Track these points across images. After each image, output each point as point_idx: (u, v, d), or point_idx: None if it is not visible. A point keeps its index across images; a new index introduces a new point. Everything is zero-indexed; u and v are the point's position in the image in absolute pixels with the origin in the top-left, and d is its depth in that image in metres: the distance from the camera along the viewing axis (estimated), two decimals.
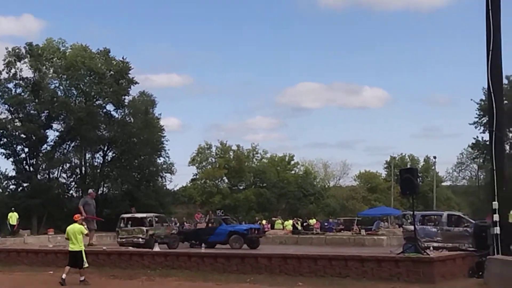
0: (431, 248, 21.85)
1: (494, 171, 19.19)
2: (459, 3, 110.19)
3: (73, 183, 64.30)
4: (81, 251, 19.19)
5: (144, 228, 32.71)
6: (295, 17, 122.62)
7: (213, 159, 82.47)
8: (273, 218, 60.66)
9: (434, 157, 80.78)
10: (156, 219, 35.07)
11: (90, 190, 29.06)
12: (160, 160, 67.30)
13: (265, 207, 76.59)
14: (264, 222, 59.84)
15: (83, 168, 64.52)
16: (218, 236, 33.70)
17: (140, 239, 32.14)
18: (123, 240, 32.48)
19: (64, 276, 18.66)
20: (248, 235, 33.46)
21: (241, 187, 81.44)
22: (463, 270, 18.91)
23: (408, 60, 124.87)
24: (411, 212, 23.84)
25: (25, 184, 59.03)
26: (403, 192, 24.74)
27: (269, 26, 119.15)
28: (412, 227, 22.92)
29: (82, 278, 18.84)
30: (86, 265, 19.22)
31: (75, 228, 19.48)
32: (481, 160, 67.32)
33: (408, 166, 78.17)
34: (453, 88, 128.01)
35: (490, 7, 19.09)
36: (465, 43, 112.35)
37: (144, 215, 35.87)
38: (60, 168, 62.47)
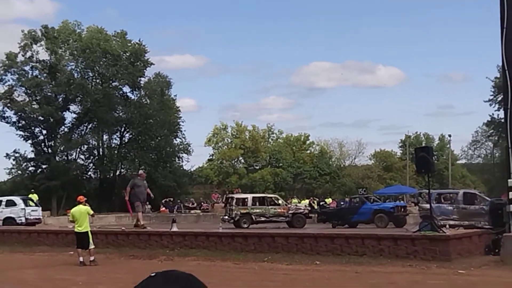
0: (447, 226, 21.86)
1: (510, 149, 19.14)
2: None
3: (91, 165, 64.79)
4: (87, 232, 19.22)
5: (228, 207, 34.11)
6: None
7: (229, 140, 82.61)
8: (290, 199, 60.74)
9: (449, 136, 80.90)
10: (254, 198, 35.49)
11: (141, 171, 28.36)
12: (177, 141, 67.75)
13: (281, 187, 76.68)
14: (280, 201, 59.98)
15: (101, 150, 65.03)
16: (362, 215, 33.10)
17: (227, 217, 33.64)
18: (222, 217, 34.23)
19: (81, 259, 18.83)
20: (394, 214, 32.78)
21: (257, 167, 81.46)
22: (479, 247, 18.93)
23: (423, 37, 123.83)
24: (427, 191, 23.89)
25: (44, 166, 59.50)
26: (419, 171, 24.80)
27: (282, 4, 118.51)
28: (428, 206, 22.95)
29: (92, 258, 18.92)
30: (93, 246, 19.26)
31: (81, 209, 19.52)
32: (496, 138, 66.86)
33: (423, 144, 77.71)
34: (468, 65, 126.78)
35: None
36: (480, 19, 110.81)
37: (237, 195, 37.68)
38: (78, 149, 62.83)
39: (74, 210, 19.80)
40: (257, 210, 33.43)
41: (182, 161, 69.21)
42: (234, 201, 34.86)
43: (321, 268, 17.21)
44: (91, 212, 19.93)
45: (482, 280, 14.64)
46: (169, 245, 22.13)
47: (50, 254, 22.42)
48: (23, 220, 35.60)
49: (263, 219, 32.95)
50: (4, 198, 38.02)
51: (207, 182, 77.99)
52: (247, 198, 35.08)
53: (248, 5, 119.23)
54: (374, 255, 18.49)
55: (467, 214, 28.09)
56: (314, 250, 19.53)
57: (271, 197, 36.97)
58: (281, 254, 19.60)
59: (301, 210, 34.78)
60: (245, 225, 31.96)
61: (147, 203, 53.51)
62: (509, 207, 18.62)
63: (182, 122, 67.73)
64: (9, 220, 34.96)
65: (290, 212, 33.69)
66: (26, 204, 37.47)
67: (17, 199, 38.08)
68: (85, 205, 20.25)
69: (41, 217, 38.44)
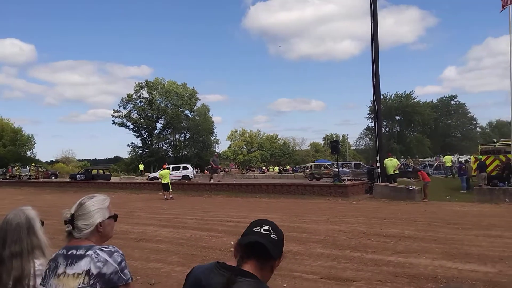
0: (347, 180, 21.91)
1: (377, 141, 19.22)
2: (358, 55, 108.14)
3: (170, 150, 64.44)
4: (168, 183, 19.09)
5: (303, 170, 33.03)
6: (275, 64, 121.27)
7: (238, 137, 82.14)
8: (269, 166, 60.73)
9: (347, 135, 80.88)
10: (314, 165, 32.23)
11: (216, 153, 27.40)
12: (212, 138, 67.41)
13: (265, 161, 76.41)
14: (264, 168, 59.95)
15: (175, 142, 64.63)
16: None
17: (304, 174, 31.87)
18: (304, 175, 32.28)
19: (165, 196, 18.85)
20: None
21: (253, 151, 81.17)
22: (362, 190, 18.99)
23: (335, 87, 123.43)
24: (337, 162, 23.87)
25: (146, 150, 59.39)
26: (332, 152, 24.74)
27: (263, 72, 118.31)
28: (337, 170, 22.98)
29: (171, 196, 18.86)
30: (171, 190, 19.18)
31: (165, 171, 19.54)
32: (370, 136, 67.01)
33: (334, 139, 77.74)
34: (356, 98, 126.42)
35: (373, 58, 18.93)
36: (361, 76, 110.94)
37: (309, 163, 34.90)
38: (163, 142, 62.63)
39: (161, 172, 19.81)
40: (315, 171, 30.46)
41: (215, 147, 69.15)
42: (306, 167, 32.63)
43: (284, 201, 17.22)
44: (169, 172, 19.98)
45: (364, 206, 14.69)
46: (209, 189, 22.11)
47: (150, 194, 22.39)
48: (192, 176, 32.06)
49: (318, 176, 29.54)
50: (181, 165, 33.91)
51: (228, 158, 77.70)
52: (312, 165, 32.21)
53: (250, 68, 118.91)
54: (311, 194, 18.54)
55: (356, 174, 28.25)
56: (281, 192, 19.55)
57: (323, 164, 32.57)
58: (264, 194, 19.60)
59: (346, 170, 30.17)
60: (310, 179, 28.53)
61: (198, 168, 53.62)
62: (376, 170, 18.71)
63: (215, 128, 67.45)
64: (185, 176, 31.47)
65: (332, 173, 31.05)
66: (192, 168, 34.31)
67: (188, 165, 34.06)
68: (168, 169, 20.34)
69: (194, 175, 34.11)
